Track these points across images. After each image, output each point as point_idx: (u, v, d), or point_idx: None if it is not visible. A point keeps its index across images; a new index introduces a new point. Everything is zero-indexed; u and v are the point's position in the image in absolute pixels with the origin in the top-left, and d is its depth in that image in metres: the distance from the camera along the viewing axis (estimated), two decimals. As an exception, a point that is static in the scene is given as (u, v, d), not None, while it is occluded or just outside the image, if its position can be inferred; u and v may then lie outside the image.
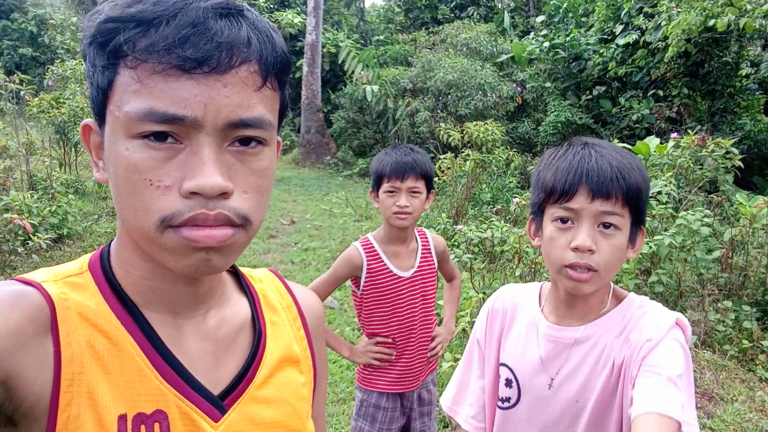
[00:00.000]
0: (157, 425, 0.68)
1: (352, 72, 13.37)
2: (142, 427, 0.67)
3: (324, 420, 0.98)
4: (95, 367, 0.66)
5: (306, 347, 0.88)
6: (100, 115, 0.66)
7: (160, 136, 0.61)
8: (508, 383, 1.31)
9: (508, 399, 1.31)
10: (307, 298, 0.93)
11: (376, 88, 12.37)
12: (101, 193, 8.24)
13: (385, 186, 2.12)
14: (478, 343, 1.41)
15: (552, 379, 1.24)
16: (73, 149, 9.39)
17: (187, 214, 0.61)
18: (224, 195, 0.63)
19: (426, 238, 2.33)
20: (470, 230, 4.85)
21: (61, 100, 9.46)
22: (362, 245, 2.21)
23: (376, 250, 2.20)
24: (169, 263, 0.65)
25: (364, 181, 12.15)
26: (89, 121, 0.71)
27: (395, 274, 2.20)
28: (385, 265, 2.19)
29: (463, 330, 4.31)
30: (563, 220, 1.15)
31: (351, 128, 13.74)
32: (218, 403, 0.73)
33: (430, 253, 2.31)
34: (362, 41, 17.55)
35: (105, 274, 0.72)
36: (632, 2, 10.44)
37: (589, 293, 1.18)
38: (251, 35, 0.64)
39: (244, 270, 0.88)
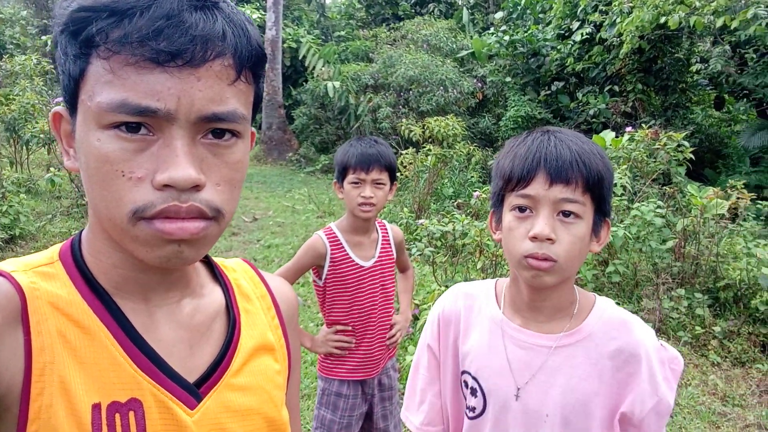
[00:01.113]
0: (132, 414, 0.67)
1: (313, 68, 13.29)
2: (117, 415, 0.66)
3: (297, 409, 0.97)
4: (67, 356, 0.65)
5: (281, 336, 0.88)
6: (72, 104, 0.66)
7: (132, 127, 0.61)
8: (473, 392, 1.23)
9: (473, 408, 1.23)
10: (281, 288, 0.93)
11: (337, 84, 12.33)
12: (55, 192, 7.99)
13: (350, 177, 2.16)
14: (429, 349, 1.32)
15: (519, 388, 1.16)
16: (24, 147, 9.08)
17: (160, 206, 0.61)
18: (197, 187, 0.63)
19: (386, 229, 2.39)
20: (432, 224, 4.88)
21: (11, 97, 9.12)
22: (326, 234, 2.24)
23: (339, 240, 2.24)
24: (140, 254, 0.65)
25: (326, 177, 12.10)
26: (60, 108, 0.70)
27: (357, 264, 2.24)
28: (347, 254, 2.23)
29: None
30: (521, 209, 1.09)
31: (313, 124, 13.66)
32: (194, 391, 0.72)
33: (390, 244, 2.37)
34: (323, 37, 17.45)
35: (76, 263, 0.71)
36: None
37: (551, 287, 1.11)
38: (226, 28, 0.63)
39: (217, 260, 0.88)
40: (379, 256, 2.30)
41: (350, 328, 2.27)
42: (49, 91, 10.42)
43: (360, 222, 2.23)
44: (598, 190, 1.08)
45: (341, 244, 2.24)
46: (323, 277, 2.25)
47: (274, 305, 0.89)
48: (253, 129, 0.75)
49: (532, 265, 1.07)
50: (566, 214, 1.07)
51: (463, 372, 1.26)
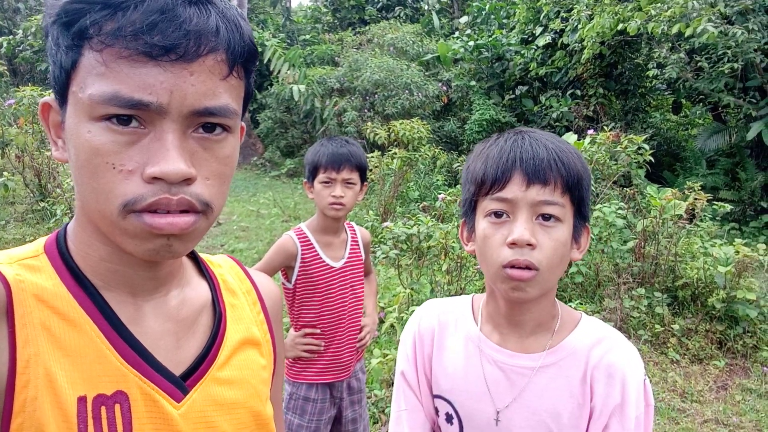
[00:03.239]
0: (117, 406, 0.66)
1: (278, 71, 13.18)
2: (103, 408, 0.65)
3: (281, 405, 0.96)
4: (52, 349, 0.64)
5: (266, 331, 0.88)
6: (62, 95, 0.65)
7: (123, 120, 0.61)
8: (449, 419, 1.12)
9: None
10: (265, 284, 0.93)
11: (303, 87, 12.25)
12: (8, 197, 7.73)
13: (320, 176, 2.15)
14: (404, 376, 1.19)
15: (498, 412, 1.07)
16: (-24, 151, 8.77)
17: (150, 198, 0.61)
18: (187, 181, 0.63)
19: (354, 230, 2.38)
20: (397, 227, 4.87)
21: (-37, 99, 8.82)
22: (296, 234, 2.22)
23: (309, 240, 2.22)
24: (129, 247, 0.65)
25: (292, 181, 12.01)
26: (49, 99, 0.70)
27: (327, 264, 2.22)
28: (318, 254, 2.21)
29: (392, 326, 4.32)
30: (497, 214, 1.00)
31: (278, 128, 13.55)
32: (180, 384, 0.72)
33: (358, 245, 2.36)
34: (288, 41, 17.34)
35: (62, 256, 0.71)
36: (550, 5, 10.82)
37: (532, 300, 1.02)
38: (219, 24, 0.64)
39: (203, 256, 0.88)
40: (348, 257, 2.29)
41: (319, 330, 2.23)
42: (4, 94, 10.11)
43: (330, 222, 2.22)
44: (577, 191, 1.01)
45: (312, 244, 2.22)
46: (293, 278, 2.22)
47: (260, 301, 0.90)
48: (243, 123, 0.75)
49: (513, 276, 0.97)
50: (546, 217, 0.98)
51: (436, 396, 1.15)
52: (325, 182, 2.15)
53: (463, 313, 1.17)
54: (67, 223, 0.75)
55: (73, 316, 0.67)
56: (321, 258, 2.21)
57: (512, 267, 0.97)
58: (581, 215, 1.04)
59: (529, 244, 0.96)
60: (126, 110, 0.60)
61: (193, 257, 0.86)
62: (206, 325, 0.79)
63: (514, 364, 1.07)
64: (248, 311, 0.87)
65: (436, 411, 1.16)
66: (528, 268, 0.96)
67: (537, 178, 0.98)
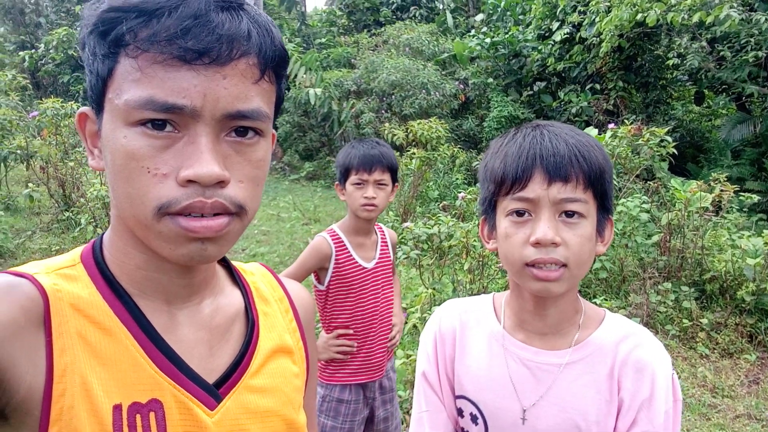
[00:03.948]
0: (152, 414, 0.67)
1: (295, 76, 13.24)
2: (138, 416, 0.66)
3: (314, 413, 0.97)
4: (88, 357, 0.65)
5: (299, 339, 0.88)
6: (98, 104, 0.67)
7: (158, 125, 0.62)
8: (474, 419, 1.10)
9: None
10: (298, 292, 0.94)
11: (319, 91, 12.28)
12: (34, 208, 7.88)
13: (352, 178, 2.17)
14: (425, 377, 1.17)
15: (525, 410, 1.05)
16: (2, 164, 8.95)
17: (184, 202, 0.62)
18: (221, 184, 0.64)
19: (383, 231, 2.41)
20: (417, 227, 4.85)
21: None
22: (330, 236, 2.25)
23: (343, 241, 2.24)
24: (164, 251, 0.66)
25: (311, 184, 12.06)
26: (86, 109, 0.71)
27: (360, 265, 2.25)
28: (351, 255, 2.24)
29: (414, 326, 4.31)
30: (519, 213, 0.98)
31: (296, 132, 13.60)
32: (214, 392, 0.73)
33: (387, 245, 2.39)
34: (304, 45, 17.42)
35: (98, 265, 0.72)
36: (567, 0, 10.71)
37: (560, 295, 1.00)
38: (251, 29, 0.65)
39: (235, 263, 0.89)
40: (379, 257, 2.31)
41: (352, 331, 2.25)
42: (28, 107, 10.30)
43: (362, 223, 2.24)
44: (600, 185, 0.99)
45: (345, 245, 2.24)
46: (326, 280, 2.23)
47: (292, 308, 0.90)
48: (273, 131, 0.75)
49: (539, 276, 0.96)
50: (569, 214, 0.96)
51: (459, 397, 1.13)
52: (357, 184, 2.17)
53: (485, 311, 1.15)
54: (104, 233, 0.76)
55: (109, 325, 0.68)
56: (354, 259, 2.24)
57: (537, 266, 0.96)
58: (604, 209, 1.02)
59: (554, 243, 0.95)
60: (161, 114, 0.61)
61: (226, 265, 0.87)
62: (239, 333, 0.80)
63: (540, 361, 1.05)
64: (281, 319, 0.87)
65: (460, 412, 1.13)
66: (554, 264, 0.95)
67: (558, 176, 0.95)
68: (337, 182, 2.28)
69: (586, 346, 1.05)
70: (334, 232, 2.26)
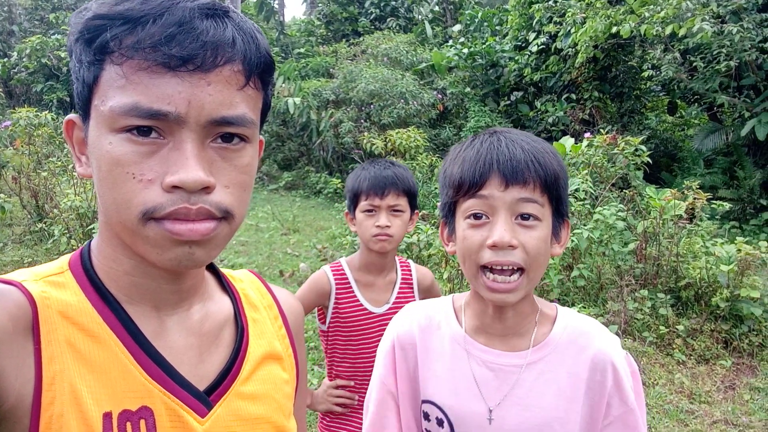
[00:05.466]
0: (143, 422, 0.67)
1: (273, 85, 13.22)
2: (128, 424, 0.66)
3: (304, 420, 0.96)
4: (77, 365, 0.65)
5: (288, 345, 0.88)
6: (85, 111, 0.67)
7: (143, 131, 0.62)
8: (439, 422, 1.11)
9: None
10: (287, 299, 0.94)
11: (298, 100, 12.26)
12: (6, 219, 7.71)
13: (362, 204, 1.84)
14: (384, 386, 1.16)
15: (491, 410, 1.06)
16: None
17: (169, 207, 0.62)
18: (206, 190, 0.64)
19: (409, 270, 2.01)
20: (397, 236, 4.84)
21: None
22: (332, 270, 1.93)
23: (347, 278, 1.92)
24: (151, 256, 0.66)
25: (290, 194, 12.00)
26: (73, 116, 0.72)
27: (365, 309, 1.90)
28: (354, 296, 1.91)
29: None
30: (476, 216, 1.00)
31: (275, 142, 13.56)
32: (204, 399, 0.72)
33: (412, 288, 1.98)
34: (283, 54, 17.41)
35: (86, 272, 0.71)
36: (542, 11, 10.87)
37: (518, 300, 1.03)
38: (236, 35, 0.65)
39: (224, 270, 0.89)
40: (395, 302, 1.92)
41: (353, 383, 1.94)
42: (0, 117, 10.11)
43: (375, 257, 1.89)
44: (555, 189, 1.01)
45: (349, 282, 1.91)
46: (327, 321, 1.93)
47: (281, 315, 0.90)
48: (261, 137, 0.75)
49: (495, 289, 0.98)
50: (525, 217, 0.98)
51: (425, 401, 1.13)
52: (368, 210, 1.83)
53: (446, 314, 1.17)
54: (92, 240, 0.76)
55: (98, 332, 0.67)
56: (358, 300, 1.90)
57: (493, 272, 0.98)
58: (559, 212, 1.05)
59: (511, 245, 0.97)
60: (145, 120, 0.61)
61: (215, 272, 0.86)
62: (229, 340, 0.80)
63: (502, 362, 1.08)
64: (270, 326, 0.87)
65: (426, 416, 1.14)
66: (511, 269, 0.98)
67: (515, 180, 0.98)
68: (346, 210, 1.94)
69: (545, 346, 1.08)
70: (339, 266, 1.93)
